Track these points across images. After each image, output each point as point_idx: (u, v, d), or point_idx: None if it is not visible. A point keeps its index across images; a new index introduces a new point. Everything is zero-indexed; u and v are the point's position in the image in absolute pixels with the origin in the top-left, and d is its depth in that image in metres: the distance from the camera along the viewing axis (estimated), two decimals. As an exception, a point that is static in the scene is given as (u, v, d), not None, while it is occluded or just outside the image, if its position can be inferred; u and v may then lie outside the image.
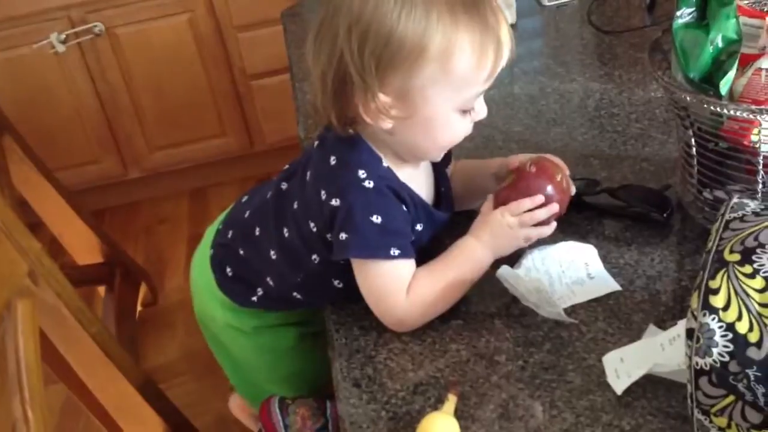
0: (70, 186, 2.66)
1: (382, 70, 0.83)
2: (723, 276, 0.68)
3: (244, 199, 1.11)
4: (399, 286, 0.89)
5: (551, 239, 1.00)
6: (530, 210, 0.92)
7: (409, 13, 0.81)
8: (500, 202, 0.95)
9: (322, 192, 0.89)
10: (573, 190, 0.98)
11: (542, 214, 0.93)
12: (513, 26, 1.55)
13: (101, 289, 1.50)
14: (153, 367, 1.37)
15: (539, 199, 0.93)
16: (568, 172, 0.98)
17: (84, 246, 1.47)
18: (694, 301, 0.69)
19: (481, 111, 0.90)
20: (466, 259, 0.93)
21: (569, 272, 0.95)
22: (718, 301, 0.67)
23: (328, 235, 0.91)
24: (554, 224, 0.96)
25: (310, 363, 1.14)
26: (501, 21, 0.85)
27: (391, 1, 0.81)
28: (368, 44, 0.81)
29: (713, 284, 0.68)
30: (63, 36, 2.44)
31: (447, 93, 0.85)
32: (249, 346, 1.12)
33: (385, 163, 0.90)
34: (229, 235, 1.07)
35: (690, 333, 0.68)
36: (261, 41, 2.52)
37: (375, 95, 0.84)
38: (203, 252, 1.11)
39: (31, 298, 0.96)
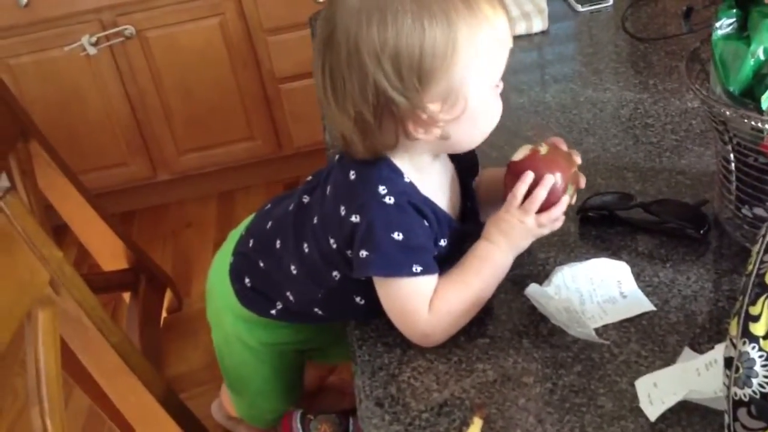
0: (98, 188, 2.69)
1: (425, 82, 0.82)
2: (764, 302, 0.65)
3: (267, 207, 1.10)
4: (421, 303, 0.87)
5: (582, 256, 0.97)
6: (528, 194, 0.91)
7: (431, 20, 0.81)
8: (504, 200, 0.93)
9: (342, 208, 0.88)
10: (578, 159, 0.95)
11: (541, 192, 0.90)
12: (545, 32, 1.52)
13: (126, 295, 1.50)
14: (175, 375, 1.36)
15: (528, 177, 0.91)
16: (564, 146, 0.96)
17: (109, 251, 1.46)
18: (734, 328, 0.66)
19: (500, 82, 0.90)
20: (484, 264, 0.91)
21: (601, 290, 0.92)
22: (758, 328, 0.64)
23: (349, 252, 0.89)
24: (566, 199, 0.92)
25: (301, 378, 1.15)
26: None
27: (408, 16, 0.80)
28: (403, 64, 0.81)
29: (754, 311, 0.65)
30: (94, 38, 2.45)
31: (483, 72, 0.85)
32: (251, 360, 1.12)
33: (406, 178, 0.88)
34: (250, 245, 1.06)
35: (729, 362, 0.65)
36: (290, 45, 2.51)
37: (424, 108, 0.83)
38: (223, 257, 1.10)
39: (52, 308, 0.95)
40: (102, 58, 2.50)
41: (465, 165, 0.98)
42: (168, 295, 1.55)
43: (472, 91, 0.85)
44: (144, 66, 2.55)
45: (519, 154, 0.94)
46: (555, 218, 0.92)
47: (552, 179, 0.91)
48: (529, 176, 0.91)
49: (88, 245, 1.44)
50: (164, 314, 1.56)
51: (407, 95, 0.82)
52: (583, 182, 0.96)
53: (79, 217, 1.36)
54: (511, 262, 0.92)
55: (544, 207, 0.91)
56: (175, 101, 2.62)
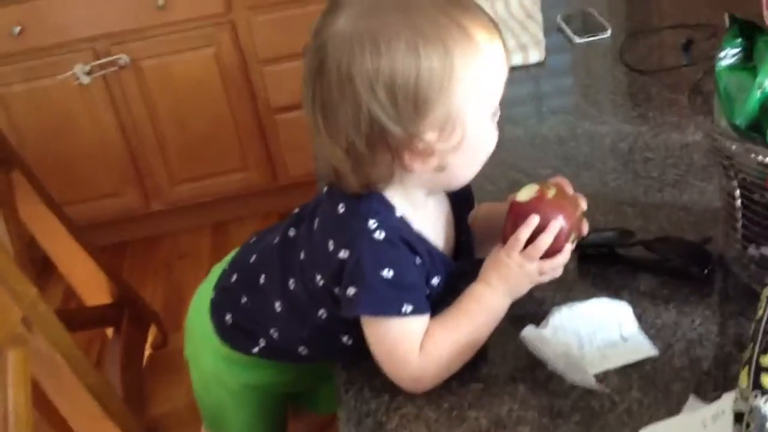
0: (90, 219, 2.66)
1: (421, 111, 0.79)
2: (776, 351, 0.60)
3: (252, 240, 1.06)
4: (411, 344, 0.83)
5: (581, 295, 0.93)
6: (532, 239, 0.86)
7: (426, 47, 0.78)
8: (503, 239, 0.88)
9: (330, 242, 0.83)
10: (584, 204, 0.91)
11: (546, 239, 0.86)
12: (542, 64, 1.49)
13: (110, 331, 1.45)
14: (158, 414, 1.31)
15: (533, 220, 0.86)
16: (570, 189, 0.91)
17: (93, 285, 1.42)
18: (743, 380, 0.61)
19: (498, 111, 0.87)
20: (480, 308, 0.86)
21: (601, 333, 0.88)
22: (771, 380, 0.59)
23: (336, 290, 0.84)
24: (569, 248, 0.88)
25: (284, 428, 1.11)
26: (489, 15, 0.85)
27: (402, 43, 0.77)
28: (398, 92, 0.78)
29: (765, 361, 0.60)
30: (88, 68, 2.43)
31: (481, 99, 0.82)
32: (231, 403, 1.06)
33: (398, 213, 0.84)
34: (233, 279, 1.01)
35: (739, 417, 0.60)
36: (286, 75, 2.49)
37: (421, 137, 0.80)
38: (205, 293, 1.05)
39: (24, 347, 0.91)
40: (95, 88, 2.48)
41: (460, 199, 0.94)
42: (153, 331, 1.50)
43: (470, 119, 0.82)
44: (138, 95, 2.52)
45: (524, 194, 0.88)
46: (557, 266, 0.88)
47: (558, 226, 0.86)
48: (534, 220, 0.86)
49: (71, 278, 1.40)
50: (149, 350, 1.51)
51: (403, 124, 0.79)
52: (585, 229, 0.91)
53: (62, 249, 1.32)
54: (507, 307, 0.87)
55: (547, 253, 0.86)
56: (169, 131, 2.59)
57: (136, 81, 2.50)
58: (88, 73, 2.43)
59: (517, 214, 0.87)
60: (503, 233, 0.89)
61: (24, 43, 2.38)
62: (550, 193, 0.87)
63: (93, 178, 2.62)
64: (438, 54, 0.78)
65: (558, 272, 0.89)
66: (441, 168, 0.83)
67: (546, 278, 0.88)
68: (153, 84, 2.51)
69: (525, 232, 0.86)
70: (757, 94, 0.80)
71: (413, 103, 0.78)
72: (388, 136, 0.80)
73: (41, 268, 2.49)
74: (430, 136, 0.80)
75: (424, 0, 0.80)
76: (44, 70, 2.43)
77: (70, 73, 2.42)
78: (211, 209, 2.80)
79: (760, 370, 0.60)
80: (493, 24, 0.83)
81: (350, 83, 0.78)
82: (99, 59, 2.44)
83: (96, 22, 2.39)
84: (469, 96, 0.81)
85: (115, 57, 2.44)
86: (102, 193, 2.66)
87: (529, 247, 0.85)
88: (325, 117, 0.81)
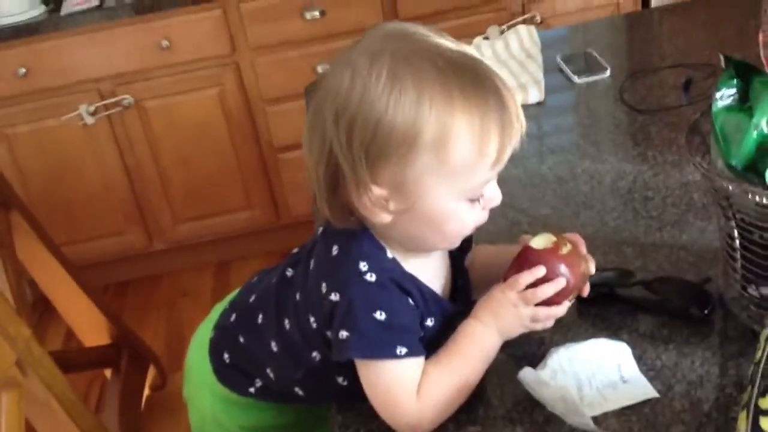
0: (93, 258, 2.66)
1: (372, 162, 0.76)
2: (775, 394, 0.59)
3: (254, 279, 1.05)
4: (408, 389, 0.81)
5: (580, 336, 0.92)
6: (534, 285, 0.84)
7: (398, 99, 0.74)
8: (504, 278, 0.88)
9: (323, 285, 0.83)
10: (592, 269, 0.90)
11: (547, 289, 0.84)
12: (541, 103, 1.50)
13: (108, 372, 1.44)
14: (156, 457, 1.30)
15: (539, 271, 0.84)
16: (583, 248, 0.90)
17: (91, 326, 1.41)
18: (742, 423, 0.60)
19: (493, 198, 0.83)
20: (472, 345, 0.85)
21: (600, 374, 0.86)
22: (770, 424, 0.58)
23: (328, 333, 0.83)
24: (567, 304, 0.87)
25: None
26: (507, 100, 0.77)
27: (380, 85, 0.74)
28: (356, 134, 0.75)
29: (764, 404, 0.59)
30: (92, 108, 2.45)
31: (447, 183, 0.77)
32: None
33: (390, 254, 0.83)
34: (232, 319, 1.01)
35: (738, 462, 0.59)
36: (289, 114, 2.51)
37: (368, 188, 0.77)
38: (204, 332, 1.05)
39: (17, 389, 0.90)
40: (99, 128, 2.49)
41: None
42: (152, 372, 1.49)
43: (429, 197, 0.78)
44: (142, 136, 2.54)
45: (539, 242, 0.87)
46: (551, 317, 0.86)
47: (563, 283, 0.85)
48: (540, 271, 0.85)
49: (69, 319, 1.39)
50: (147, 391, 1.50)
51: (353, 168, 0.76)
52: (587, 291, 0.90)
53: (60, 290, 1.32)
54: (498, 346, 0.86)
55: (544, 303, 0.85)
56: (172, 170, 2.61)
57: (140, 121, 2.52)
58: (93, 114, 2.45)
59: (527, 259, 0.87)
60: (506, 273, 0.88)
61: (29, 84, 2.41)
62: (565, 249, 0.87)
63: (96, 217, 2.63)
64: (408, 117, 0.73)
65: (549, 324, 0.87)
66: (390, 227, 0.80)
67: (538, 326, 0.87)
68: (157, 124, 2.53)
69: (528, 277, 0.85)
70: (754, 134, 0.80)
71: (366, 151, 0.75)
72: (340, 174, 0.78)
73: (44, 308, 2.49)
74: (379, 191, 0.77)
75: (431, 52, 0.75)
76: (49, 111, 2.45)
77: (75, 113, 2.44)
78: (214, 248, 2.79)
79: (758, 413, 0.59)
80: (497, 119, 0.75)
81: (322, 109, 0.77)
82: (103, 100, 2.46)
83: (100, 63, 2.42)
84: (433, 173, 0.76)
85: (119, 98, 2.46)
86: (105, 232, 2.66)
87: (529, 291, 0.84)
88: (310, 140, 0.80)
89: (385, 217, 0.79)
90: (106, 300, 2.74)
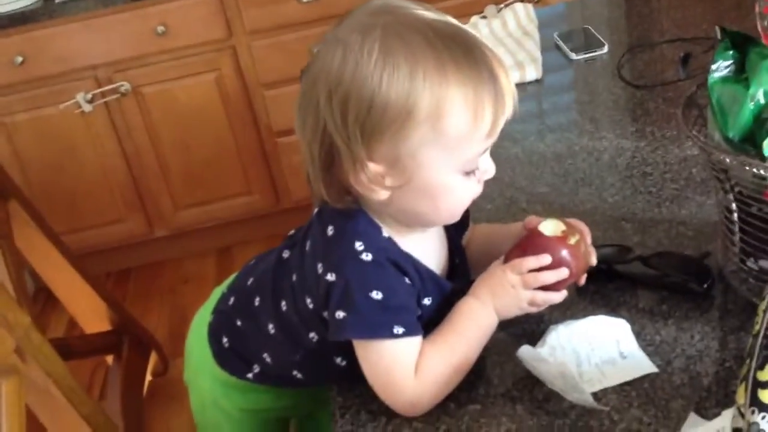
0: (94, 246, 2.66)
1: (367, 138, 0.75)
2: (773, 366, 0.59)
3: (252, 263, 1.05)
4: (406, 368, 0.81)
5: (579, 313, 0.92)
6: (536, 270, 0.84)
7: (392, 74, 0.73)
8: (506, 257, 0.87)
9: (319, 265, 0.82)
10: (593, 260, 0.90)
11: (549, 276, 0.84)
12: (539, 81, 1.49)
13: (110, 358, 1.44)
14: (158, 443, 1.30)
15: (545, 259, 0.84)
16: (589, 238, 0.90)
17: (92, 313, 1.41)
18: (741, 396, 0.60)
19: (487, 170, 0.82)
20: (470, 324, 0.85)
21: (599, 351, 0.86)
22: (768, 396, 0.58)
23: (325, 313, 0.83)
24: (565, 292, 0.87)
25: None
26: (499, 71, 0.77)
27: (372, 61, 0.74)
28: (350, 111, 0.74)
29: (762, 376, 0.59)
30: (89, 96, 2.44)
31: (443, 156, 0.77)
32: (229, 427, 1.05)
33: (385, 233, 0.83)
34: (230, 302, 1.00)
35: (737, 434, 0.59)
36: (287, 98, 2.49)
37: (364, 165, 0.77)
38: (204, 316, 1.04)
39: (17, 376, 0.90)
40: (97, 115, 2.49)
41: None
42: (153, 358, 1.49)
43: (425, 171, 0.78)
44: (140, 122, 2.53)
45: (549, 228, 0.87)
46: (548, 302, 0.87)
47: (566, 273, 0.85)
48: (546, 259, 0.85)
49: (70, 307, 1.39)
50: (149, 377, 1.50)
51: (349, 145, 0.76)
52: (583, 281, 0.90)
53: (60, 278, 1.31)
54: (496, 323, 0.86)
55: (543, 288, 0.86)
56: (171, 157, 2.60)
57: (138, 108, 2.51)
58: (90, 101, 2.45)
59: (533, 243, 0.86)
60: (508, 253, 0.88)
61: (26, 72, 2.40)
62: (573, 239, 0.87)
63: (97, 205, 2.63)
64: (402, 91, 0.73)
65: (543, 308, 0.88)
66: (387, 203, 0.80)
67: (533, 310, 0.87)
68: (155, 110, 2.52)
69: (533, 262, 0.84)
70: (750, 106, 0.79)
71: (361, 127, 0.75)
72: (335, 152, 0.77)
73: (46, 297, 2.49)
74: (375, 168, 0.77)
75: (421, 25, 0.75)
76: (46, 99, 2.45)
77: (73, 101, 2.43)
78: (215, 234, 2.79)
79: (757, 385, 0.59)
80: (490, 90, 0.75)
81: (315, 85, 0.76)
82: (101, 87, 2.46)
83: (97, 51, 2.41)
84: (428, 147, 0.76)
85: (116, 84, 2.45)
86: (106, 220, 2.66)
87: (531, 275, 0.84)
88: (299, 119, 0.80)
89: (382, 194, 0.79)
90: (108, 288, 2.75)
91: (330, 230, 0.83)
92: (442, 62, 0.74)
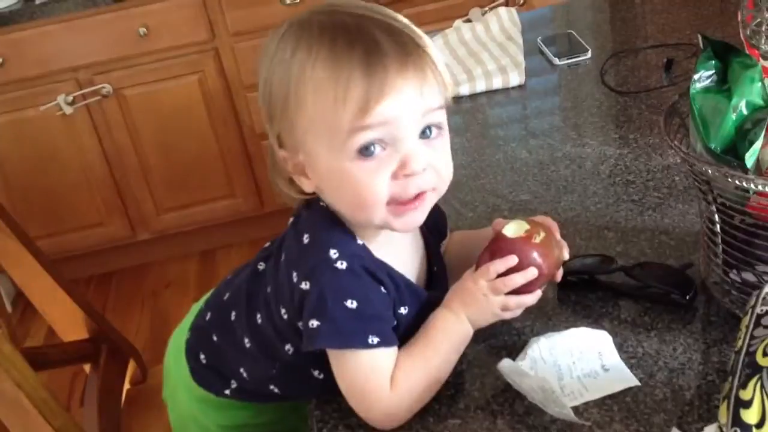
0: (75, 249, 2.63)
1: (273, 125, 0.79)
2: (756, 385, 0.58)
3: (228, 277, 1.03)
4: (381, 380, 0.80)
5: (561, 324, 0.90)
6: (505, 274, 0.83)
7: (278, 59, 0.76)
8: (476, 266, 0.86)
9: (294, 274, 0.81)
10: (566, 254, 0.88)
11: (518, 279, 0.83)
12: (522, 86, 1.48)
13: (88, 367, 1.42)
14: (136, 453, 1.28)
15: (511, 260, 0.83)
16: (558, 234, 0.89)
17: (69, 321, 1.38)
18: (723, 414, 0.59)
19: (408, 162, 0.76)
20: (443, 335, 0.83)
21: (581, 363, 0.85)
22: (750, 416, 0.57)
23: (299, 323, 0.81)
24: (539, 293, 0.86)
25: None
26: (388, 50, 0.73)
27: (272, 47, 0.77)
28: (261, 97, 0.79)
29: (744, 395, 0.58)
30: (70, 98, 2.42)
31: (321, 136, 0.76)
32: None
33: (359, 240, 0.82)
34: (207, 318, 0.99)
35: (718, 454, 0.58)
36: (271, 101, 2.48)
37: (275, 149, 0.80)
38: (181, 333, 1.02)
39: (-13, 390, 0.88)
40: (78, 118, 2.46)
41: (431, 227, 0.91)
42: (132, 366, 1.47)
43: (318, 156, 0.77)
44: (122, 124, 2.51)
45: (512, 230, 0.86)
46: (522, 305, 0.85)
47: (535, 273, 0.84)
48: (512, 260, 0.83)
49: (46, 315, 1.36)
50: (127, 386, 1.48)
51: (270, 128, 0.79)
52: (559, 277, 0.89)
53: (36, 285, 1.29)
54: (470, 334, 0.85)
55: (515, 292, 0.84)
56: (153, 160, 2.58)
57: (120, 110, 2.48)
58: (71, 103, 2.42)
59: (499, 247, 0.85)
60: (479, 261, 0.86)
61: (6, 74, 2.37)
62: (538, 237, 0.85)
63: (78, 208, 2.60)
64: (280, 73, 0.76)
65: (518, 313, 0.86)
66: (324, 197, 0.81)
67: (507, 315, 0.85)
68: (137, 113, 2.50)
69: (499, 265, 0.83)
70: (732, 117, 0.79)
71: (267, 114, 0.78)
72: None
73: (27, 301, 2.46)
74: (283, 154, 0.79)
75: (337, 15, 0.76)
76: (27, 100, 2.42)
77: (53, 103, 2.41)
78: (198, 237, 2.77)
79: (739, 404, 0.58)
80: (362, 66, 0.73)
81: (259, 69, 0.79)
82: (82, 89, 2.43)
83: (78, 52, 2.39)
84: (309, 130, 0.76)
85: (98, 86, 2.43)
86: (87, 223, 2.64)
87: (499, 280, 0.83)
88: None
89: (307, 184, 0.81)
90: (90, 291, 2.72)
91: (305, 238, 0.82)
92: (319, 44, 0.74)
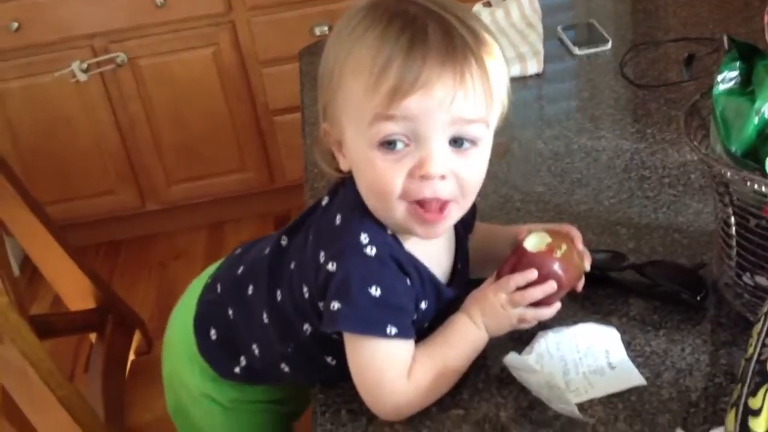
0: (85, 216, 2.64)
1: (320, 92, 0.80)
2: (765, 393, 0.58)
3: (237, 252, 1.02)
4: (396, 371, 0.79)
5: (569, 318, 0.90)
6: (524, 287, 0.83)
7: (342, 32, 0.77)
8: (497, 275, 0.86)
9: (321, 253, 0.80)
10: (587, 265, 0.88)
11: (536, 293, 0.83)
12: (540, 75, 1.46)
13: (93, 336, 1.42)
14: (138, 424, 1.29)
15: (532, 275, 0.83)
16: (581, 245, 0.88)
17: (76, 290, 1.39)
18: (731, 422, 0.58)
19: (425, 163, 0.74)
20: (461, 339, 0.84)
21: (587, 359, 0.85)
22: (759, 425, 0.57)
23: (321, 303, 0.81)
24: (557, 305, 0.86)
25: None
26: (430, 50, 0.71)
27: (345, 18, 0.78)
28: (321, 62, 0.80)
29: (753, 403, 0.57)
30: (85, 65, 2.40)
31: (352, 119, 0.77)
32: (223, 422, 1.02)
33: (389, 231, 0.81)
34: (218, 291, 0.98)
35: (724, 462, 0.58)
36: (286, 77, 2.46)
37: (322, 121, 0.81)
38: (185, 308, 1.02)
39: (-7, 358, 0.88)
40: (92, 85, 2.45)
41: (461, 223, 0.87)
42: (137, 337, 1.47)
43: (347, 136, 0.78)
44: (135, 94, 2.50)
45: (533, 243, 0.85)
46: (540, 318, 0.85)
47: (554, 287, 0.84)
48: (532, 275, 0.83)
49: (54, 282, 1.37)
50: (132, 356, 1.48)
51: (319, 98, 0.81)
52: (580, 287, 0.89)
53: (45, 253, 1.29)
54: (486, 341, 0.85)
55: (534, 303, 0.84)
56: (166, 130, 2.57)
57: (134, 79, 2.47)
58: (85, 71, 2.41)
59: (520, 261, 0.85)
60: (499, 271, 0.86)
61: (21, 39, 2.36)
62: (560, 252, 0.85)
63: (88, 175, 2.60)
64: (332, 50, 0.78)
65: (535, 323, 0.86)
66: (354, 173, 0.80)
67: (525, 326, 0.86)
68: (150, 83, 2.49)
69: (519, 280, 0.83)
70: (755, 120, 0.77)
71: (320, 79, 0.80)
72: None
73: (34, 266, 2.47)
74: (325, 125, 0.81)
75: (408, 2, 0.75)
76: (41, 66, 2.41)
77: (68, 70, 2.40)
78: (207, 210, 2.77)
79: (748, 412, 0.57)
80: (402, 56, 0.71)
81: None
82: (97, 57, 2.42)
83: (94, 19, 2.37)
84: (343, 110, 0.77)
85: (112, 55, 2.42)
86: (97, 191, 2.64)
87: (518, 293, 0.83)
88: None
89: (344, 162, 0.81)
90: (98, 260, 2.73)
91: (338, 220, 0.81)
92: (370, 28, 0.74)
